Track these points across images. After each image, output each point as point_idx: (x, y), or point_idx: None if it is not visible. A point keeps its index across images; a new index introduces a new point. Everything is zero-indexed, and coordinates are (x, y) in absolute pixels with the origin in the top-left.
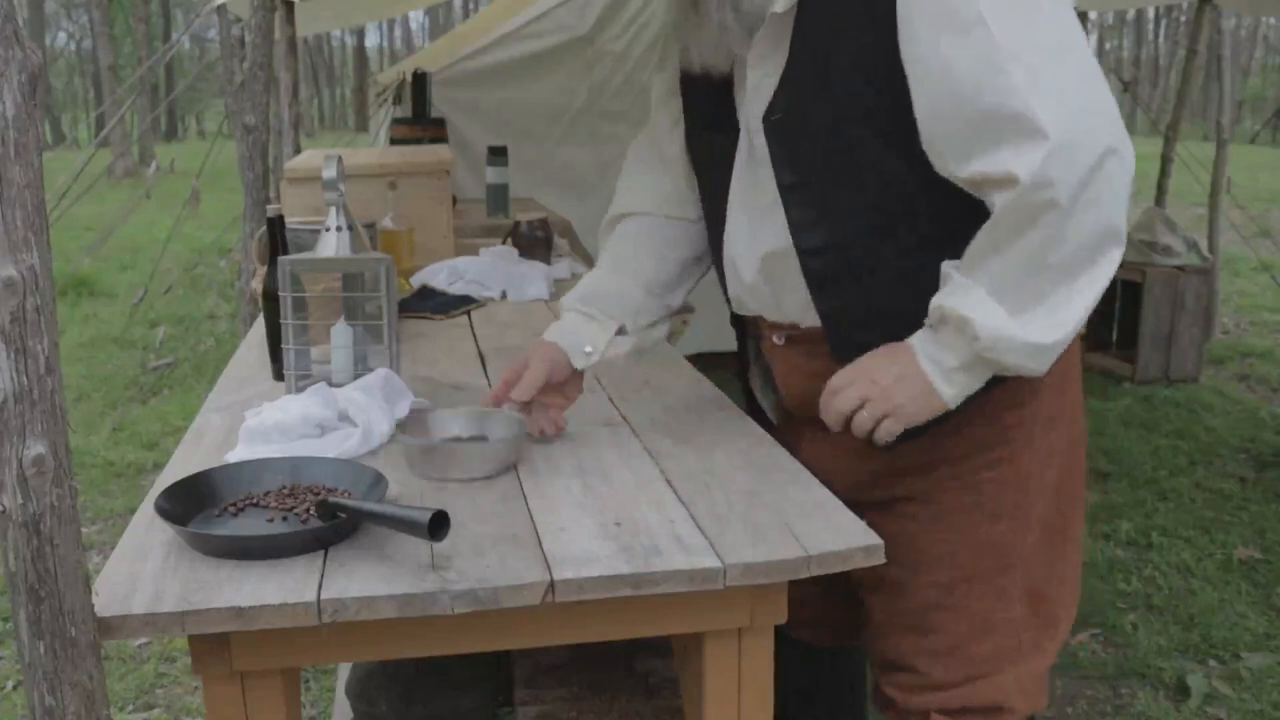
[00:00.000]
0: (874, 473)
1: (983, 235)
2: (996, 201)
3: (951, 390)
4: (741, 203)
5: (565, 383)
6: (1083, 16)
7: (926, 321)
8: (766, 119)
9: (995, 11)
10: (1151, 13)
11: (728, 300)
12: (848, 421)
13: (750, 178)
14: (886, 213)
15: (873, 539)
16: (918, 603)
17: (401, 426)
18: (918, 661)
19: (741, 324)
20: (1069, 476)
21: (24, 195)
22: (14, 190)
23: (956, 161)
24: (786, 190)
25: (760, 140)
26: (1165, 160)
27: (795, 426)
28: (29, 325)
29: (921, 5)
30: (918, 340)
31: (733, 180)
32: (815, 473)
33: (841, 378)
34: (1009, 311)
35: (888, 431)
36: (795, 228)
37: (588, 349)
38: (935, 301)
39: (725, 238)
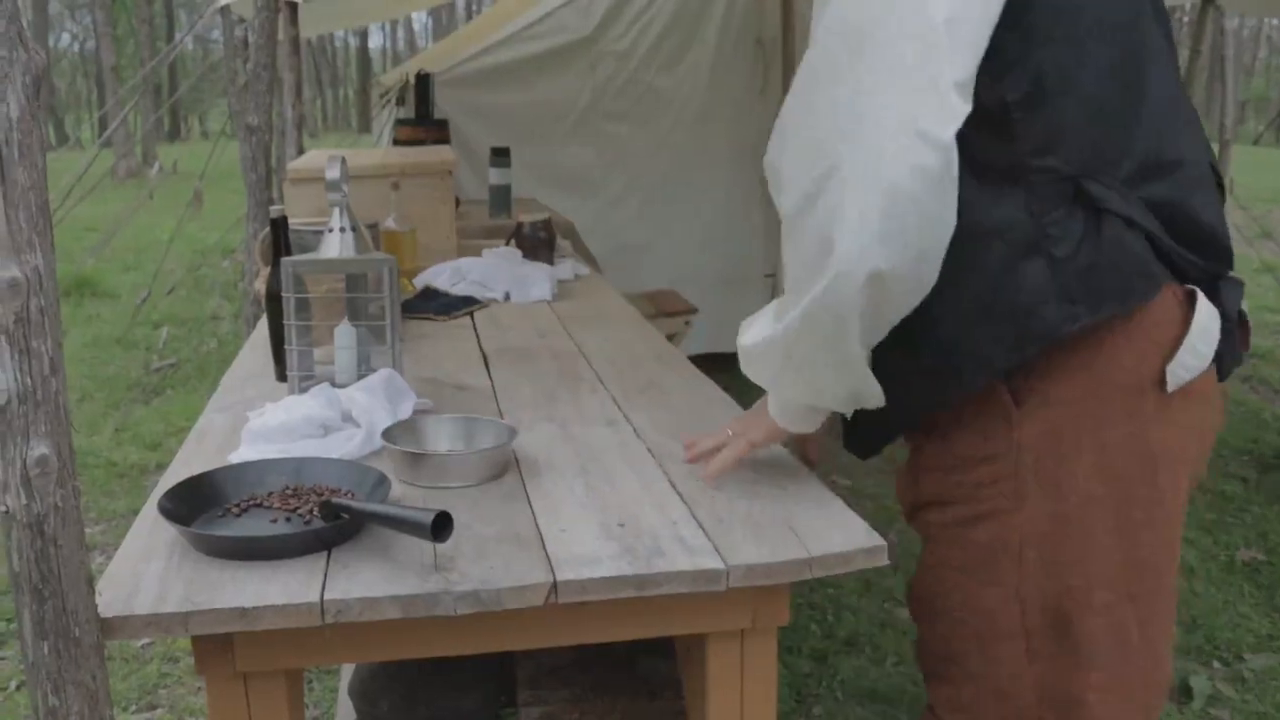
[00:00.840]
0: (906, 503)
1: None
2: None
3: (774, 408)
4: None
5: None
6: None
7: None
8: None
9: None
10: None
11: None
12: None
13: None
14: None
15: (875, 540)
16: (925, 648)
17: (389, 435)
18: (940, 713)
19: None
20: (1087, 554)
21: (28, 196)
22: (18, 191)
23: None
24: None
25: None
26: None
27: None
28: (33, 326)
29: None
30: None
31: None
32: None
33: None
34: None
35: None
36: None
37: None
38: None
39: None
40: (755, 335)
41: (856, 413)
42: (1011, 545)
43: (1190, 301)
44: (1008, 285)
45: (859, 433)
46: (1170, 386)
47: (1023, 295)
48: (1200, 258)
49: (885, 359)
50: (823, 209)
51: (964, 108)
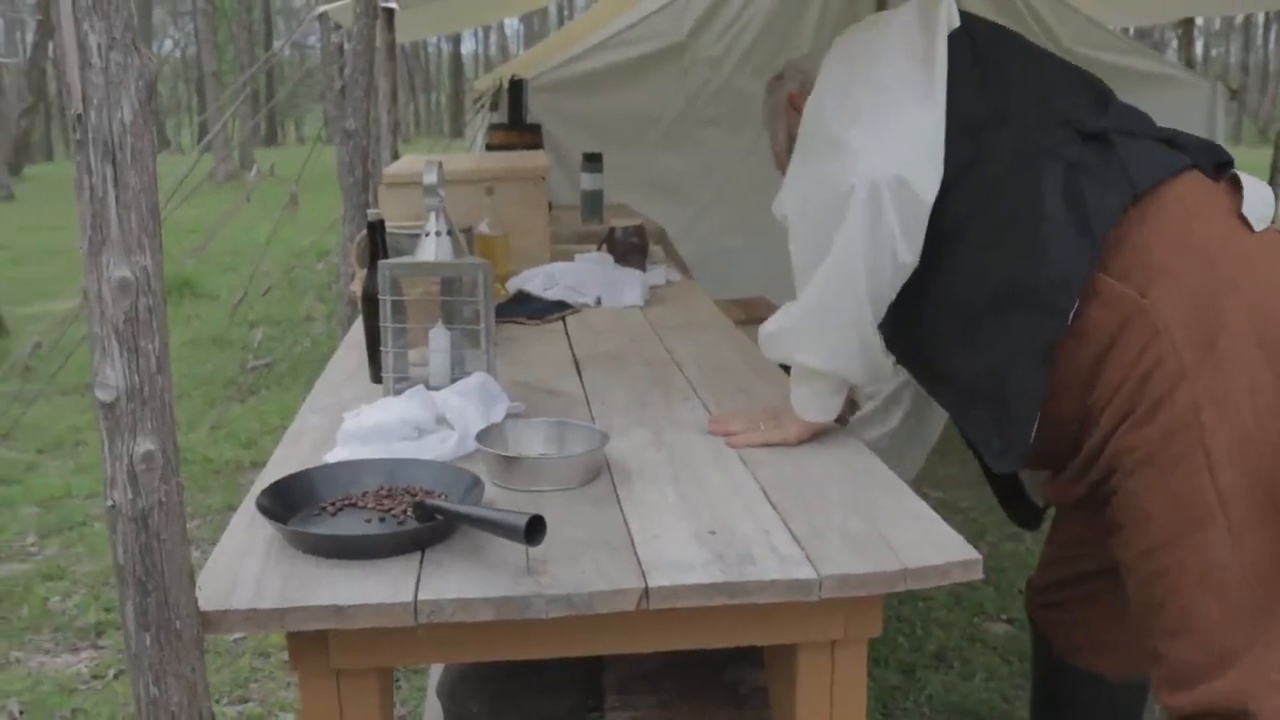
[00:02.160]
0: (1061, 481)
1: None
2: None
3: (796, 401)
4: None
5: None
6: (1189, 23)
7: None
8: None
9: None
10: (1260, 18)
11: None
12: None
13: None
14: None
15: (971, 554)
16: (1135, 576)
17: (482, 438)
18: (1159, 644)
19: None
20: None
21: (139, 199)
22: (130, 194)
23: None
24: None
25: None
26: (1275, 169)
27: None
28: (141, 325)
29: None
30: None
31: None
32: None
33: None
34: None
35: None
36: None
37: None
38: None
39: None
40: (777, 319)
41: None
42: (1186, 416)
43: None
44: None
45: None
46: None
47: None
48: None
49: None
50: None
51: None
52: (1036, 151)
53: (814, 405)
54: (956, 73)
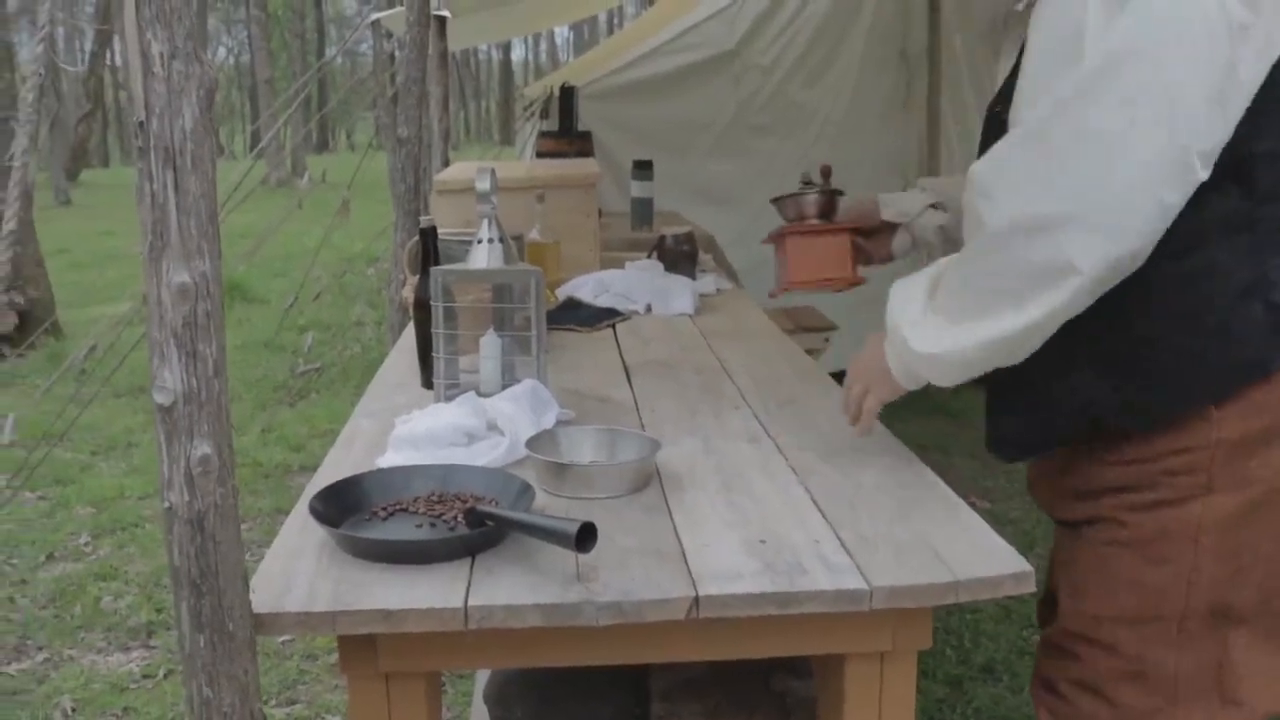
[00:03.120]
0: (1058, 489)
1: None
2: None
3: (909, 381)
4: None
5: (871, 237)
6: None
7: None
8: (989, 109)
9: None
10: None
11: None
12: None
13: None
14: None
15: (1022, 565)
16: (1070, 629)
17: (533, 444)
18: (1062, 687)
19: None
20: None
21: (199, 205)
22: (190, 200)
23: None
24: None
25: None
26: None
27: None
28: (199, 329)
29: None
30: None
31: None
32: (1035, 489)
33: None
34: (928, 300)
35: (869, 405)
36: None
37: (901, 206)
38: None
39: None
40: (937, 341)
41: (1012, 415)
42: (1190, 529)
43: None
44: (1226, 325)
45: (1015, 435)
46: None
47: (1239, 334)
48: None
49: (1089, 371)
50: (1054, 244)
51: (1203, 175)
52: None
53: (916, 378)
54: None
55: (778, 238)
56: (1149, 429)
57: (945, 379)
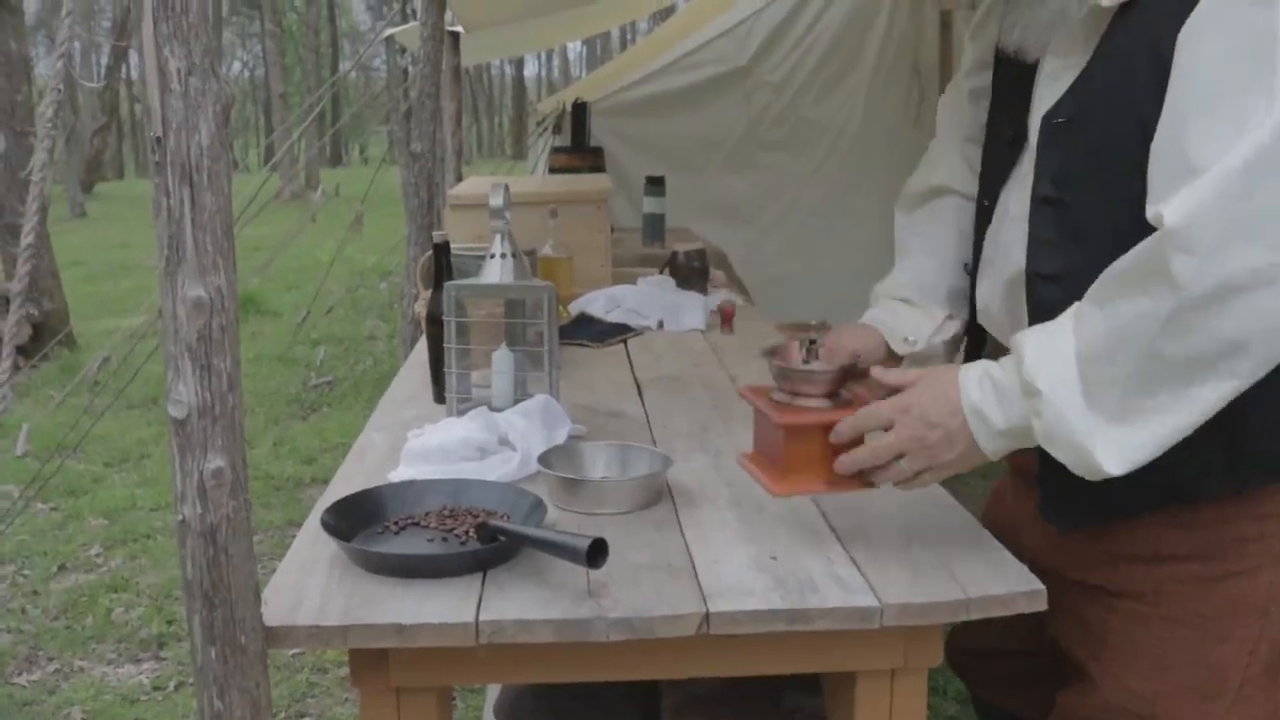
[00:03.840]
0: (1084, 553)
1: (1107, 272)
2: None
3: (994, 448)
4: (1009, 210)
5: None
6: None
7: (1003, 356)
8: (1048, 119)
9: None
10: None
11: (973, 301)
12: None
13: (1022, 184)
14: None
15: (1035, 584)
16: (1112, 704)
17: (545, 460)
18: None
19: (980, 334)
20: None
21: (215, 220)
22: (206, 215)
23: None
24: (1038, 204)
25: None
26: None
27: (1012, 478)
28: (214, 344)
29: (1220, 15)
30: (972, 383)
31: (1009, 183)
32: (1023, 534)
33: (887, 414)
34: (1086, 399)
35: (923, 483)
36: (1033, 247)
37: (910, 336)
38: (1022, 341)
39: (985, 243)
40: (1136, 449)
41: (1081, 481)
42: (1260, 601)
43: None
44: None
45: (1086, 503)
46: None
47: None
48: None
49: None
50: (1246, 311)
51: None
52: None
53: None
54: None
55: (767, 416)
56: (1240, 494)
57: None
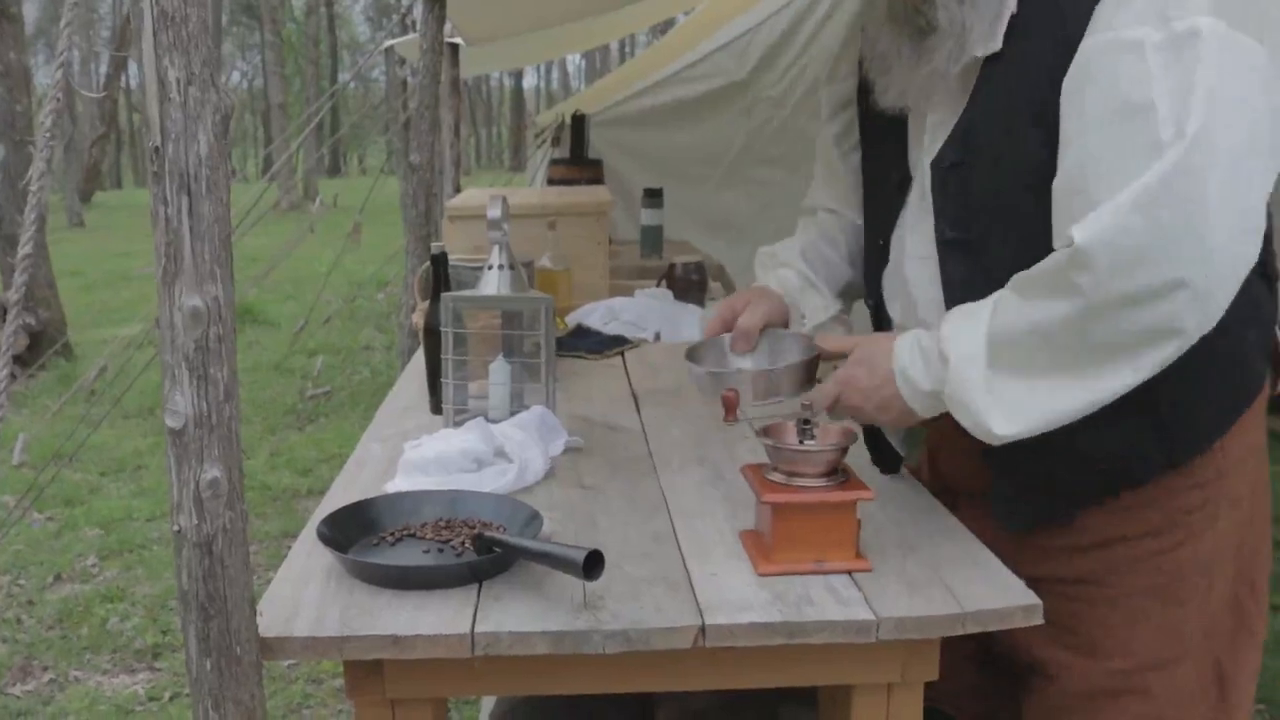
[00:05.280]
0: (1041, 548)
1: (1023, 274)
2: None
3: (922, 406)
4: (906, 248)
5: None
6: None
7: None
8: (936, 165)
9: (1164, 95)
10: None
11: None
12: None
13: (918, 225)
14: None
15: (1032, 598)
16: (1088, 687)
17: (694, 355)
18: None
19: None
20: (1255, 552)
21: (213, 229)
22: (204, 225)
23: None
24: (945, 247)
25: (928, 186)
26: None
27: (949, 494)
28: (211, 354)
29: (1100, 66)
30: (904, 348)
31: (901, 222)
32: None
33: (833, 390)
34: (990, 369)
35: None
36: (949, 286)
37: (804, 318)
38: (947, 318)
39: (884, 277)
40: (1021, 418)
41: (1030, 481)
42: (1205, 564)
43: None
44: (1238, 354)
45: (1036, 503)
46: None
47: (1242, 359)
48: None
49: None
50: (1161, 311)
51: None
52: None
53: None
54: None
55: (762, 495)
56: (1176, 467)
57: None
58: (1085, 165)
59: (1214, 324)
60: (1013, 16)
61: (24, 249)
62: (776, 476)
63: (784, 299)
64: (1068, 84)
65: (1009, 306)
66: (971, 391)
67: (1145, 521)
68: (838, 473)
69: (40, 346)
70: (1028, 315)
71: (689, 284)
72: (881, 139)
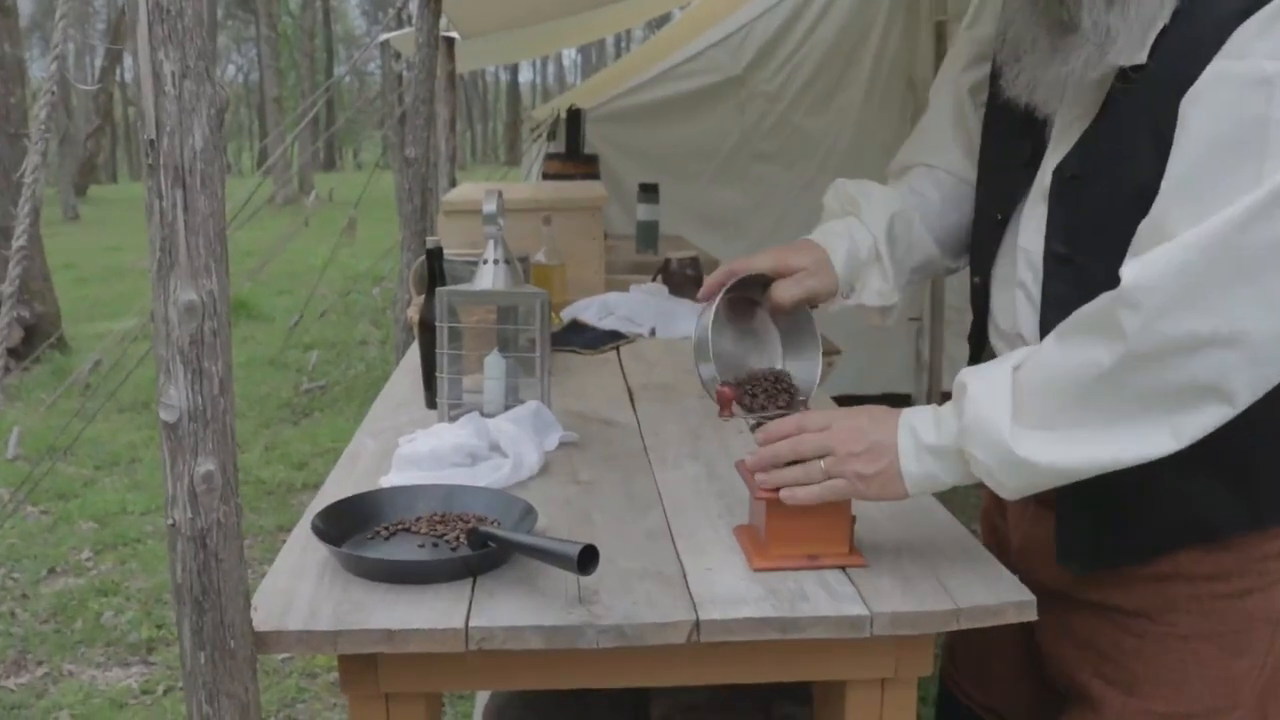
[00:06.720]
0: (1099, 575)
1: (1068, 320)
2: None
3: (916, 469)
4: (1019, 239)
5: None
6: None
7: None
8: (1059, 172)
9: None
10: None
11: (974, 306)
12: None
13: (1030, 220)
14: None
15: (1025, 594)
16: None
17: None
18: None
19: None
20: None
21: (208, 223)
22: (199, 219)
23: None
24: (1051, 260)
25: (1047, 188)
26: None
27: (1007, 501)
28: (206, 347)
29: (1218, 92)
30: (912, 409)
31: (1019, 219)
32: (1023, 552)
33: (816, 420)
34: (1013, 414)
35: (826, 490)
36: (1046, 302)
37: (853, 291)
38: (965, 374)
39: (998, 258)
40: (1055, 455)
41: (1097, 527)
42: (1275, 612)
43: None
44: None
45: (1104, 547)
46: None
47: None
48: None
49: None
50: (1208, 366)
51: None
52: None
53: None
54: None
55: (757, 495)
56: (1263, 531)
57: (1019, 492)
58: (1169, 195)
59: (1265, 392)
60: (1165, 28)
61: (18, 242)
62: None
63: (835, 269)
64: (1183, 105)
65: (1049, 346)
66: (994, 431)
67: (1216, 562)
68: None
69: (35, 340)
70: (1060, 359)
71: (684, 279)
72: (1013, 126)
